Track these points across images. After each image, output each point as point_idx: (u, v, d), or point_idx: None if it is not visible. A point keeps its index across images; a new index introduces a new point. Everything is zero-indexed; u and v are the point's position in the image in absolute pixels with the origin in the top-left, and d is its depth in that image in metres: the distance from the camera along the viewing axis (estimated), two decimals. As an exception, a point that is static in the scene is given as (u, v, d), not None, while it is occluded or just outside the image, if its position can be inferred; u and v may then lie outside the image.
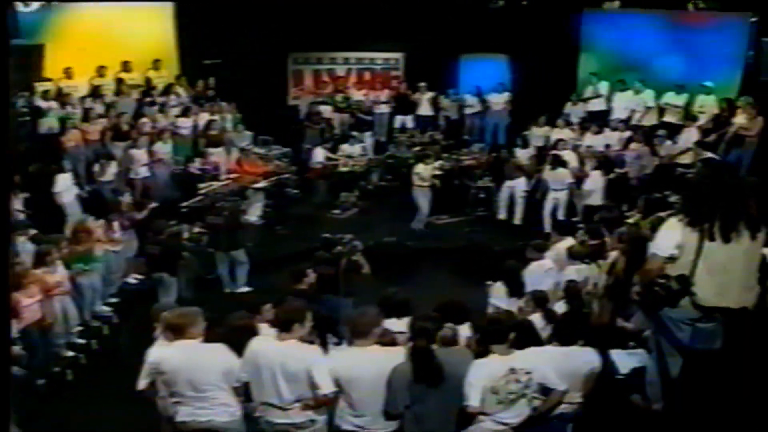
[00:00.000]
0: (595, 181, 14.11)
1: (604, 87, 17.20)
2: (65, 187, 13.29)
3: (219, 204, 12.62)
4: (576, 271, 9.57)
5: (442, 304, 7.37)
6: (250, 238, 13.05)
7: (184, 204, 13.01)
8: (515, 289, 9.29)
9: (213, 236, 12.25)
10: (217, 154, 15.61)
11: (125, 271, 12.09)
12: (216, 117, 16.26)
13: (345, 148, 16.77)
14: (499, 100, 18.51)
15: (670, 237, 4.97)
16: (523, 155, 15.54)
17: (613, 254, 9.83)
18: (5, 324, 2.41)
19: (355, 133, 17.64)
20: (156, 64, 17.33)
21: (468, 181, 15.77)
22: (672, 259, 4.93)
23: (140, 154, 14.73)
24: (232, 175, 14.19)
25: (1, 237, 2.42)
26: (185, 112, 16.08)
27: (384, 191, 16.64)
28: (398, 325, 6.66)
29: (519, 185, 14.80)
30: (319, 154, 15.99)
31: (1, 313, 2.37)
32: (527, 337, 6.73)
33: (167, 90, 16.80)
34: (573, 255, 9.85)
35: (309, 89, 19.57)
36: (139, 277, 12.23)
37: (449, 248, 13.86)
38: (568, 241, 10.55)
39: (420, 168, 15.01)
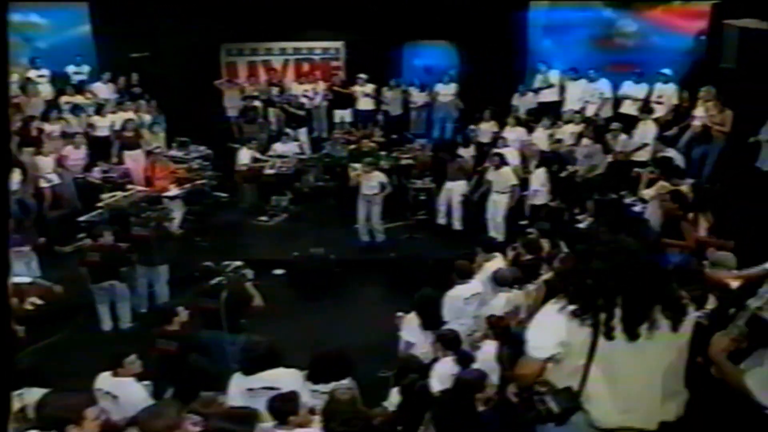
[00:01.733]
0: (539, 181, 12.85)
1: (555, 76, 15.83)
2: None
3: (144, 214, 11.20)
4: (506, 300, 8.37)
5: (316, 360, 6.27)
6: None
7: (82, 218, 11.58)
8: (430, 321, 8.08)
9: (138, 249, 10.93)
10: (132, 158, 14.16)
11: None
12: (133, 116, 14.80)
13: (277, 147, 15.40)
14: (446, 92, 17.10)
15: (550, 330, 3.40)
16: (465, 154, 14.16)
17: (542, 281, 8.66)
18: (5, 323, 2.37)
19: (288, 131, 16.20)
20: (75, 59, 15.76)
21: (407, 182, 14.39)
22: (554, 360, 3.43)
23: (46, 161, 13.34)
24: (138, 186, 12.73)
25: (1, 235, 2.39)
26: (99, 112, 14.55)
27: (320, 193, 15.31)
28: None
29: (458, 187, 13.46)
30: (245, 155, 14.62)
31: (1, 312, 2.36)
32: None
33: (79, 88, 15.25)
34: (498, 280, 8.65)
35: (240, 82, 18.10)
36: (38, 302, 10.94)
37: (378, 260, 12.56)
38: (498, 261, 9.34)
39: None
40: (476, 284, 8.76)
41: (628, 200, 12.18)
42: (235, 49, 18.45)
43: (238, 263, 9.12)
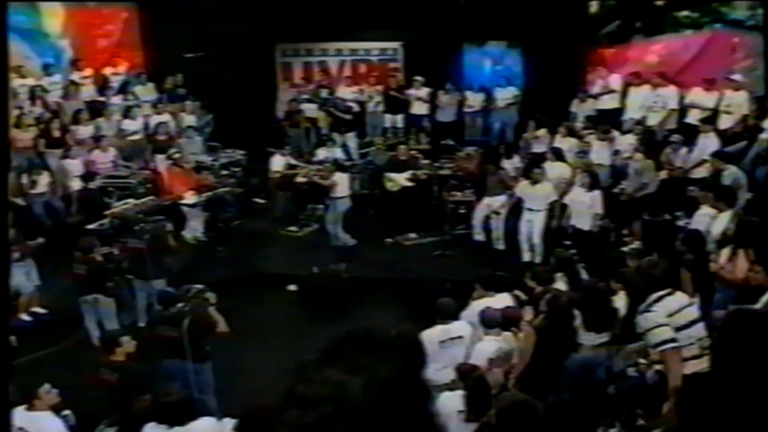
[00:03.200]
0: (579, 197, 11.55)
1: (616, 81, 14.35)
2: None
3: (139, 225, 10.69)
4: (494, 345, 7.35)
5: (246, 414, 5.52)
6: (177, 263, 11.46)
7: (90, 227, 11.16)
8: None
9: (134, 262, 10.47)
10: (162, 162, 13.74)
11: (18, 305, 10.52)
12: (166, 119, 14.34)
13: (320, 152, 14.68)
14: (505, 96, 15.95)
15: None
16: (508, 165, 13.00)
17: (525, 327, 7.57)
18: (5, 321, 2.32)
19: (335, 136, 15.43)
20: (113, 60, 15.50)
21: (446, 193, 13.34)
22: None
23: (74, 165, 13.05)
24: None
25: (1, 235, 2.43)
26: (127, 114, 14.26)
27: (360, 203, 14.43)
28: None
29: (497, 202, 12.33)
30: (278, 161, 13.97)
31: (1, 311, 2.35)
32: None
33: (123, 89, 14.96)
34: (486, 321, 7.62)
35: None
36: (40, 311, 10.69)
37: (397, 279, 11.61)
38: (498, 300, 8.29)
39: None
40: (460, 326, 7.76)
41: (681, 222, 10.83)
42: (290, 49, 17.95)
43: (200, 287, 8.46)
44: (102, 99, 14.81)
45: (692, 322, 5.67)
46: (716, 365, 2.81)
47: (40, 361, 9.66)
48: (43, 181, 12.87)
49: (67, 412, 6.81)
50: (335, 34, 17.46)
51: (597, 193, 11.34)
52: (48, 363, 9.65)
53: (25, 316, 10.67)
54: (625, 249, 10.93)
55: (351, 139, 15.86)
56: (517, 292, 8.52)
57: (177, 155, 13.18)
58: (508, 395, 5.66)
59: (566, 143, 13.10)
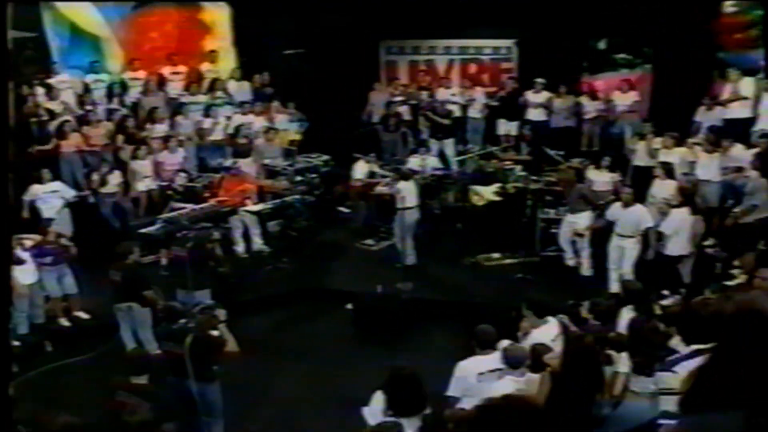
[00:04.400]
0: (679, 221, 10.76)
1: (748, 85, 13.27)
2: (39, 197, 12.46)
3: (182, 233, 10.97)
4: (512, 386, 6.93)
5: None
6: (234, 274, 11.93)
7: (143, 231, 11.53)
8: (397, 403, 6.68)
9: (176, 271, 10.77)
10: (245, 166, 13.98)
11: (53, 309, 10.98)
12: (249, 120, 14.85)
13: (411, 160, 14.68)
14: (624, 101, 15.19)
15: None
16: (598, 178, 12.36)
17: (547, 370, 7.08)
18: (5, 321, 2.56)
19: (432, 142, 15.35)
20: (212, 55, 16.13)
21: (539, 210, 12.88)
22: None
23: (142, 165, 13.57)
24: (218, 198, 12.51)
25: (1, 235, 2.57)
26: (207, 113, 14.82)
27: (450, 216, 14.17)
28: None
29: (581, 221, 11.71)
30: (360, 169, 14.00)
31: (1, 309, 2.53)
32: None
33: (212, 86, 15.53)
34: (509, 360, 7.20)
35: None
36: (83, 316, 11.15)
37: (459, 303, 11.27)
38: (550, 328, 7.86)
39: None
40: (488, 361, 7.32)
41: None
42: (395, 46, 18.10)
43: (209, 303, 8.47)
44: (180, 96, 15.34)
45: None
46: None
47: (67, 369, 10.01)
48: (114, 180, 13.42)
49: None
50: (444, 31, 17.35)
51: (696, 218, 10.49)
52: (76, 373, 9.96)
53: (64, 321, 11.08)
54: (729, 283, 10.09)
55: (449, 147, 15.63)
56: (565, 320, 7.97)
57: (237, 163, 13.39)
58: None
59: (673, 155, 12.23)
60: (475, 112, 16.43)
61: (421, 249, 12.98)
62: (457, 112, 16.28)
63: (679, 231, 10.86)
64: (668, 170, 11.79)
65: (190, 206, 12.10)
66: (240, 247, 13.21)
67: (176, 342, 8.12)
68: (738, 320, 3.05)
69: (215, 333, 8.24)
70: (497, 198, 13.23)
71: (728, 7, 14.05)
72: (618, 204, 11.28)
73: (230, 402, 8.34)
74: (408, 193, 12.58)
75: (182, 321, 8.27)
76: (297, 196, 13.50)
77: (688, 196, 11.16)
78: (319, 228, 14.28)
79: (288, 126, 15.48)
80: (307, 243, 13.68)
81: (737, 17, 13.96)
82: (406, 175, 12.83)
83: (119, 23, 15.64)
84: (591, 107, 15.72)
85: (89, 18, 15.21)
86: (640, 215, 11.07)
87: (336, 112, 16.39)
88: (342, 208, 14.90)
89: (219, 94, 15.53)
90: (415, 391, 6.28)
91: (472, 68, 17.63)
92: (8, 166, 2.84)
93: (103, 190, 13.46)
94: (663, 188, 11.63)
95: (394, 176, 12.88)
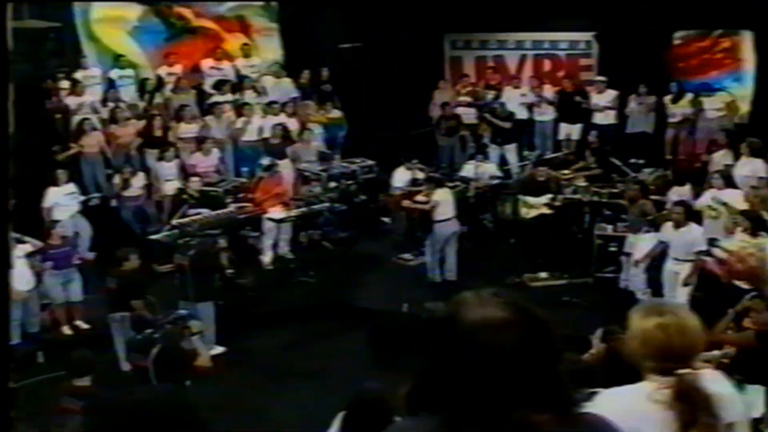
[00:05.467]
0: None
1: None
2: (57, 201, 13.17)
3: (184, 239, 11.57)
4: None
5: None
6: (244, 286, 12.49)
7: (154, 237, 12.17)
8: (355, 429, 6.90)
9: (182, 280, 11.34)
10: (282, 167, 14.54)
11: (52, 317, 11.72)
12: (284, 121, 15.40)
13: (466, 168, 15.10)
14: (713, 104, 15.22)
15: None
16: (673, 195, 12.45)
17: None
18: (5, 323, 2.77)
19: (492, 147, 15.69)
20: (245, 49, 16.78)
21: (596, 226, 12.92)
22: None
23: (168, 167, 14.23)
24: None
25: (1, 236, 2.68)
26: (238, 112, 15.41)
27: (504, 229, 14.33)
28: None
29: (641, 241, 11.72)
30: (401, 176, 14.29)
31: (1, 311, 2.67)
32: None
33: (238, 84, 16.32)
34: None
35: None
36: (83, 326, 11.82)
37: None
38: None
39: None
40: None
41: None
42: (461, 40, 18.37)
43: (181, 312, 8.91)
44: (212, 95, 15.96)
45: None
46: None
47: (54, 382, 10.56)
48: (137, 183, 14.07)
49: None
50: (516, 23, 17.51)
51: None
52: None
53: (66, 329, 11.73)
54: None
55: (511, 153, 15.77)
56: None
57: (271, 163, 13.91)
58: None
59: (750, 165, 12.10)
60: (543, 115, 16.53)
61: (465, 265, 13.15)
62: (523, 114, 16.45)
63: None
64: (731, 182, 11.69)
65: (205, 212, 12.69)
66: (267, 257, 13.68)
67: (142, 353, 8.60)
68: None
69: (191, 345, 8.71)
70: (547, 211, 13.26)
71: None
72: (669, 224, 11.22)
73: (225, 423, 8.75)
74: (444, 203, 12.77)
75: (148, 331, 8.73)
76: (326, 204, 13.84)
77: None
78: (358, 239, 14.62)
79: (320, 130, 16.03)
80: (341, 255, 14.05)
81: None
82: (441, 183, 13.04)
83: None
84: (676, 110, 15.61)
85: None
86: (693, 237, 10.99)
87: (392, 114, 16.72)
88: (386, 219, 15.19)
89: (249, 93, 16.12)
90: (379, 418, 6.41)
91: (546, 65, 17.76)
92: (8, 166, 2.82)
93: (126, 193, 14.12)
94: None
95: (429, 185, 13.06)
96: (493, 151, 15.87)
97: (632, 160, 14.54)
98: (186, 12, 16.74)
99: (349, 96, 17.04)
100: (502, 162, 15.76)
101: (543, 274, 12.91)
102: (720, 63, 15.90)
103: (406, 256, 13.96)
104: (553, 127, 16.57)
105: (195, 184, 13.37)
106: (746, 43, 15.84)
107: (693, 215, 11.26)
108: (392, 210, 14.74)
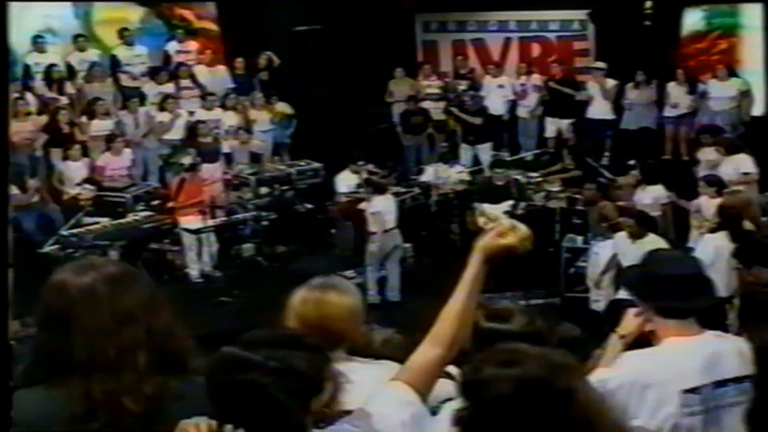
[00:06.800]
0: (713, 249, 10.49)
1: None
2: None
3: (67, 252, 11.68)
4: None
5: None
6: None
7: (42, 249, 12.23)
8: None
9: None
10: (211, 172, 14.63)
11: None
12: (212, 116, 15.56)
13: (429, 171, 15.18)
14: (721, 92, 15.31)
15: None
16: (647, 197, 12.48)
17: None
18: (4, 323, 2.97)
19: (464, 147, 15.97)
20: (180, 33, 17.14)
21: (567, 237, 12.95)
22: None
23: (75, 168, 14.25)
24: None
25: (1, 236, 2.95)
26: (163, 105, 15.47)
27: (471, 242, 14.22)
28: None
29: (603, 252, 11.64)
30: (345, 180, 14.28)
31: (1, 311, 2.89)
32: None
33: (174, 73, 16.42)
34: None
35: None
36: None
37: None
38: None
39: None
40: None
41: None
42: (435, 22, 18.42)
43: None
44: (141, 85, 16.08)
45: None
46: None
47: None
48: (33, 185, 14.00)
49: None
50: (498, 1, 17.63)
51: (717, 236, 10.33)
52: None
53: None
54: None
55: (485, 153, 15.77)
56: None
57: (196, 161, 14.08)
58: None
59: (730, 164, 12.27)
60: (525, 109, 16.57)
61: (414, 284, 13.14)
62: (502, 107, 16.51)
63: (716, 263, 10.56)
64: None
65: (105, 220, 12.72)
66: (194, 272, 13.67)
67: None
68: None
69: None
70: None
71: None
72: (623, 234, 11.08)
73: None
74: (383, 211, 12.74)
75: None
76: (251, 213, 13.86)
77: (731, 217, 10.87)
78: (300, 254, 14.57)
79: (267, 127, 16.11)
80: (274, 272, 14.01)
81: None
82: (381, 188, 13.01)
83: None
84: (680, 101, 15.60)
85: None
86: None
87: (353, 108, 16.95)
88: (334, 230, 15.18)
89: (185, 83, 16.25)
90: None
91: (535, 49, 17.82)
92: (8, 167, 3.16)
93: (25, 199, 14.10)
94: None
95: (366, 189, 13.04)
96: (466, 151, 15.82)
97: (632, 162, 14.45)
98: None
99: (302, 87, 17.06)
100: (476, 164, 15.69)
101: (506, 296, 12.80)
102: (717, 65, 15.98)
103: (348, 273, 13.88)
104: (537, 123, 16.58)
105: (91, 188, 13.41)
106: (744, 44, 16.19)
107: (652, 225, 11.10)
108: (337, 219, 14.72)
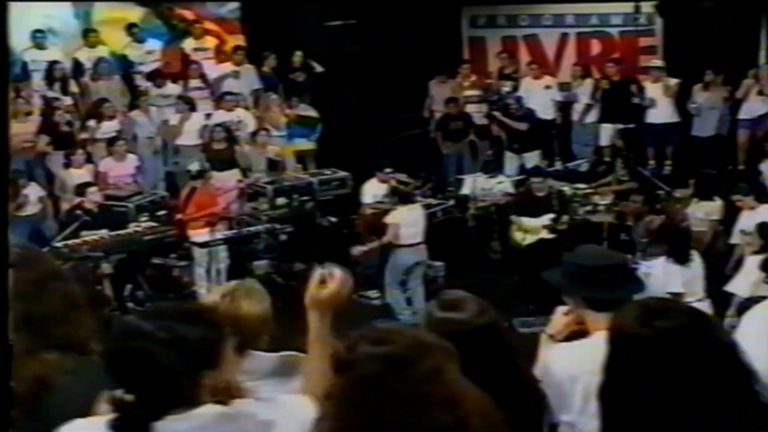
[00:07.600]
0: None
1: None
2: None
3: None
4: None
5: None
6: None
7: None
8: None
9: None
10: (222, 181, 14.61)
11: None
12: (235, 118, 15.58)
13: (468, 181, 15.02)
14: None
15: None
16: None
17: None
18: (4, 323, 3.05)
19: (509, 155, 15.96)
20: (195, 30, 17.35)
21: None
22: None
23: (77, 176, 14.28)
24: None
25: (1, 236, 3.03)
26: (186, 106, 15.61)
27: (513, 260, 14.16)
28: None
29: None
30: (370, 190, 14.23)
31: (1, 311, 2.98)
32: None
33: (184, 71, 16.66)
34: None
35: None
36: None
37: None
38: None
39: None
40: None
41: None
42: (483, 16, 18.34)
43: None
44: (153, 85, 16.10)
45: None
46: None
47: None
48: (32, 195, 14.03)
49: None
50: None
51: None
52: None
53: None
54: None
55: (532, 162, 15.62)
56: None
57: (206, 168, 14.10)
58: None
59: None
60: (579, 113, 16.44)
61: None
62: (551, 113, 16.46)
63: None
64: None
65: (103, 232, 12.69)
66: (203, 290, 13.59)
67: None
68: None
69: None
70: (549, 235, 13.03)
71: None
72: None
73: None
74: (407, 225, 12.66)
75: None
76: (264, 226, 13.80)
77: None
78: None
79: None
80: (291, 291, 13.90)
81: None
82: (407, 199, 12.92)
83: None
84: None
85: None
86: (692, 273, 10.48)
87: (391, 112, 16.81)
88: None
89: (195, 83, 16.35)
90: None
91: (595, 46, 17.71)
92: (8, 167, 3.37)
93: (20, 209, 14.12)
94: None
95: (392, 199, 12.93)
96: (511, 160, 15.69)
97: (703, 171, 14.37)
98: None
99: (332, 89, 17.05)
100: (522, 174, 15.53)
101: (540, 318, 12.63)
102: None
103: (371, 293, 13.78)
104: (593, 129, 16.43)
105: (93, 196, 13.36)
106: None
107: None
108: (361, 232, 14.58)
